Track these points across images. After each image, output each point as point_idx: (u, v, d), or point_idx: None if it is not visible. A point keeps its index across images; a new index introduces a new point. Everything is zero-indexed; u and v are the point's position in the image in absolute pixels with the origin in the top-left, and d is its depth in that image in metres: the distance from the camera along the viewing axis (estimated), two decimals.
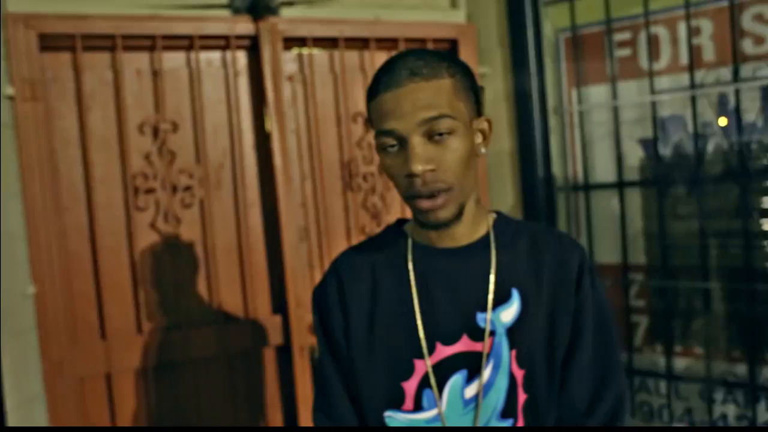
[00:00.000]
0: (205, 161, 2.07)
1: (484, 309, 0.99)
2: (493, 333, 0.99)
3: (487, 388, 0.99)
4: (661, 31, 2.15)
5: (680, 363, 2.19)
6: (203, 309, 2.10)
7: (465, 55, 2.33)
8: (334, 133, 2.25)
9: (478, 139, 1.00)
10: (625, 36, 2.21)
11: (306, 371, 2.12)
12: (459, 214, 0.98)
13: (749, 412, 2.04)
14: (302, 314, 2.11)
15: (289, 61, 2.19)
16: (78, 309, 1.99)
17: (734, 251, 2.06)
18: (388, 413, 1.01)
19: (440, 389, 0.99)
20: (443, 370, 0.99)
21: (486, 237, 1.04)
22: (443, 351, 0.99)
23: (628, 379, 2.27)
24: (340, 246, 2.23)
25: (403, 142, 0.93)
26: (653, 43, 2.15)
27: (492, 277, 1.01)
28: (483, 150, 1.00)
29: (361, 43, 2.24)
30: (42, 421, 1.88)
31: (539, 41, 2.26)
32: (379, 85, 0.95)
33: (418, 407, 1.00)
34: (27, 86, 1.85)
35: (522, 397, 1.00)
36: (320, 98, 2.21)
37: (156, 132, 2.03)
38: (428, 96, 0.92)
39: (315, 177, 2.21)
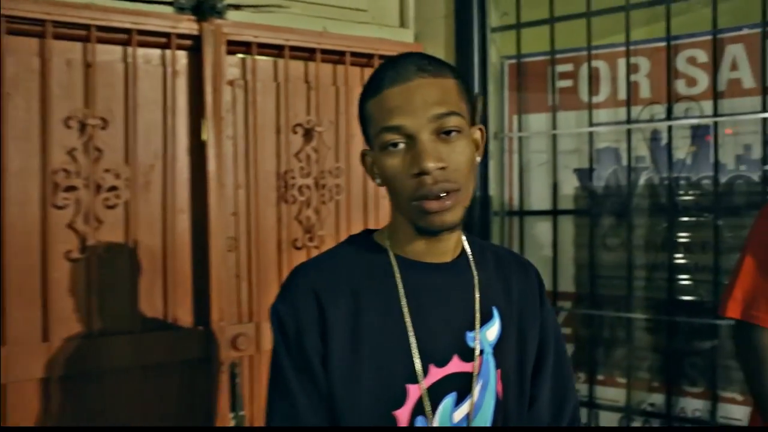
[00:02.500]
0: (134, 162, 1.97)
1: (471, 328, 0.96)
2: (481, 352, 0.96)
3: (476, 409, 0.95)
4: (601, 66, 2.21)
5: (602, 391, 2.22)
6: (119, 317, 1.97)
7: None
8: (272, 143, 2.18)
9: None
10: (568, 68, 2.27)
11: (226, 387, 2.02)
12: (460, 221, 0.93)
13: None
14: (225, 327, 2.02)
15: (231, 65, 2.13)
16: None
17: (658, 283, 2.13)
18: None
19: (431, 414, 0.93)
20: (434, 394, 0.93)
21: (464, 253, 1.01)
22: (436, 373, 0.93)
23: None
24: (270, 258, 2.17)
25: (410, 139, 0.88)
26: (594, 76, 2.21)
27: (477, 295, 0.98)
28: (478, 159, 0.96)
29: (306, 54, 2.20)
30: None
31: (485, 66, 2.29)
32: (383, 80, 0.89)
33: None
34: None
35: (501, 415, 0.98)
36: (261, 106, 2.15)
37: (83, 127, 1.91)
38: (438, 92, 0.88)
39: (249, 186, 2.14)
